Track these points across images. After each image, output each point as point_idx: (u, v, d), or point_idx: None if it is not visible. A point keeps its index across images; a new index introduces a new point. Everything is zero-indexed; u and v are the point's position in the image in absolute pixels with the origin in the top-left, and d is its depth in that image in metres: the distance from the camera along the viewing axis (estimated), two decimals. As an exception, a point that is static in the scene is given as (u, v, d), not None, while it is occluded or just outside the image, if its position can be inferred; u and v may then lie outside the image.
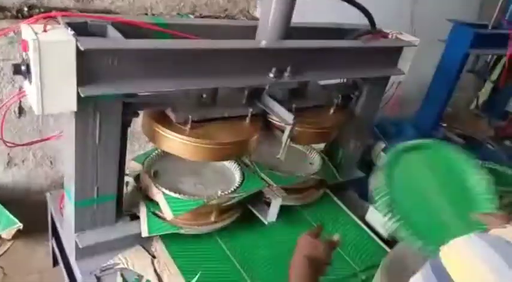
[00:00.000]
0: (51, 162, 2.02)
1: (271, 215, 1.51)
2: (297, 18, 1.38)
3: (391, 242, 1.70)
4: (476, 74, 2.66)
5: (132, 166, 1.55)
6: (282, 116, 1.40)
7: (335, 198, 1.82)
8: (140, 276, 1.33)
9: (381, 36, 1.67)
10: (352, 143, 1.90)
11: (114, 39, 1.09)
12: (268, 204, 1.52)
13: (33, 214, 1.67)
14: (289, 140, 1.40)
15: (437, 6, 2.84)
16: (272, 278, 1.38)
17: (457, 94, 2.69)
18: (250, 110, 1.41)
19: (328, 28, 1.61)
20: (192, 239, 1.43)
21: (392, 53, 1.68)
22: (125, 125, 1.25)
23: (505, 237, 0.66)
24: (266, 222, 1.52)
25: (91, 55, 1.01)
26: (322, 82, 1.77)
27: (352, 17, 1.60)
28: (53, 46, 0.96)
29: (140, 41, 1.10)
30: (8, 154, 1.89)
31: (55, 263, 1.70)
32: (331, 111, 1.65)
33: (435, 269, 0.61)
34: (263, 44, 1.35)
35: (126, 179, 1.51)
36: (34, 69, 0.96)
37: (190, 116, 1.29)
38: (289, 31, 1.37)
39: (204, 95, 1.38)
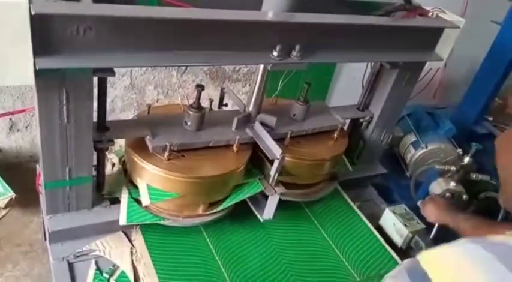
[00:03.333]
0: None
1: (267, 212, 1.34)
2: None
3: (405, 251, 1.50)
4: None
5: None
6: (270, 148, 1.25)
7: (345, 196, 1.62)
8: (115, 267, 1.22)
9: (418, 14, 1.41)
10: (375, 134, 1.68)
11: (79, 4, 0.93)
12: (267, 197, 1.36)
13: (34, 182, 1.60)
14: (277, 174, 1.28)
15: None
16: None
17: (509, 82, 2.36)
18: (238, 137, 1.26)
19: (352, 0, 1.37)
20: (176, 232, 1.30)
21: (430, 35, 1.42)
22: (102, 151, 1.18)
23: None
24: (262, 220, 1.36)
25: (49, 21, 0.86)
26: (332, 103, 1.59)
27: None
28: (1, 7, 0.82)
29: (111, 6, 0.93)
30: (10, 119, 1.83)
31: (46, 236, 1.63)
32: (334, 138, 1.47)
33: (413, 272, 0.60)
34: (270, 16, 1.15)
35: (114, 159, 1.40)
36: (-20, 33, 0.83)
37: (168, 145, 1.15)
38: (303, 1, 1.16)
39: (188, 122, 1.24)
